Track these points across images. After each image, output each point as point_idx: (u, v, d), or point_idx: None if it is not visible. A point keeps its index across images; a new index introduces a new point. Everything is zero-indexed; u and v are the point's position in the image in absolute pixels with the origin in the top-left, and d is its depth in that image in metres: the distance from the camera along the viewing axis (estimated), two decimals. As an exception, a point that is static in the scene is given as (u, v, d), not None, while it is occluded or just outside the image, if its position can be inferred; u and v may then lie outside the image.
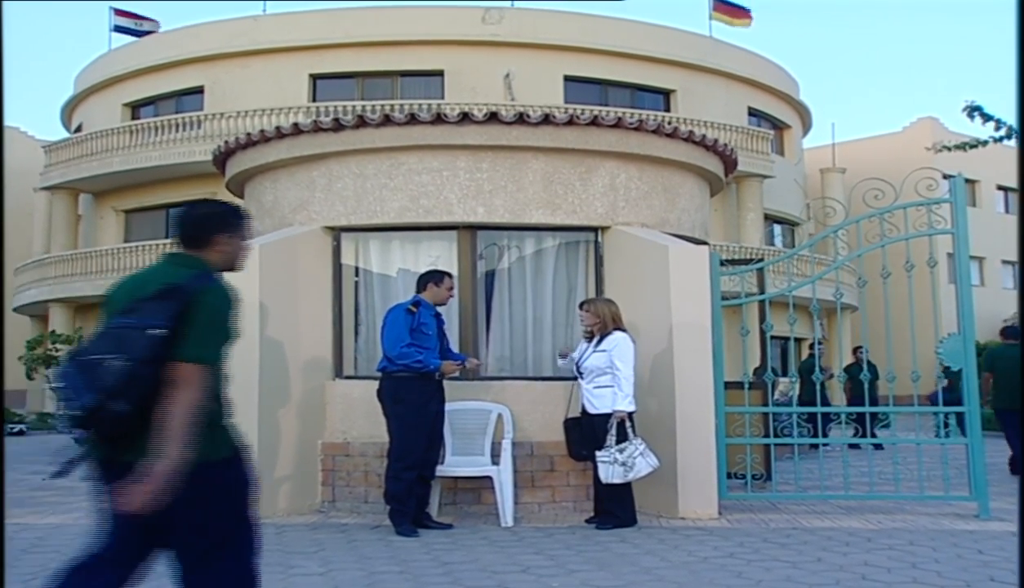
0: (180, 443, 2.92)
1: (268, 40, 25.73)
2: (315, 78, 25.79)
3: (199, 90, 26.47)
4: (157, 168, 24.69)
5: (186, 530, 3.08)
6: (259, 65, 25.76)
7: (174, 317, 2.98)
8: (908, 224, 7.78)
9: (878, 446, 10.49)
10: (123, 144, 25.11)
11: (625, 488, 6.93)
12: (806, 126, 32.21)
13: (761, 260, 10.63)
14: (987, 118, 9.19)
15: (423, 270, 7.41)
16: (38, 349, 21.56)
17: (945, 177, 7.64)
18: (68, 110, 30.34)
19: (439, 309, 7.17)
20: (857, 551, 6.06)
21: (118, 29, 28.27)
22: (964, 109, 9.07)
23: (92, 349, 3.01)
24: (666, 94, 27.25)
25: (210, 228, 3.30)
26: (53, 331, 24.65)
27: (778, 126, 30.18)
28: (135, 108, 27.98)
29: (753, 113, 28.96)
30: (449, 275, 7.28)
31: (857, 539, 6.49)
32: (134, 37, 28.37)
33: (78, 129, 29.02)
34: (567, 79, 25.96)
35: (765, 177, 26.71)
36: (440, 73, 25.42)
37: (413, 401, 6.83)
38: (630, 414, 6.92)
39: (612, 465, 6.77)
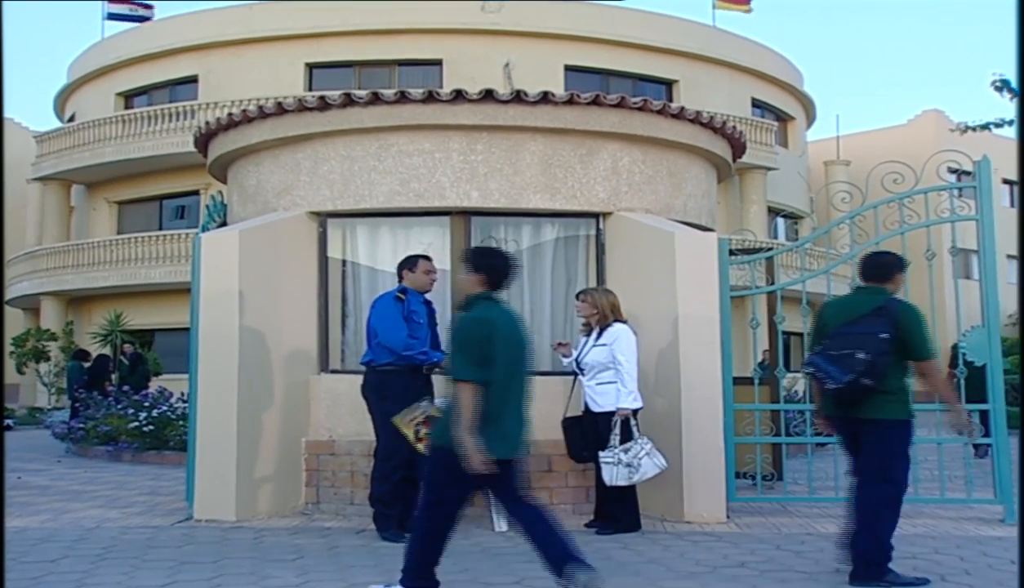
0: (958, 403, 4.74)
1: (264, 28, 25.30)
2: (311, 67, 25.34)
3: (193, 79, 26.06)
4: (150, 159, 24.32)
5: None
6: (254, 54, 25.32)
7: (891, 326, 4.82)
8: (929, 210, 7.35)
9: None
10: (116, 134, 24.71)
11: (628, 490, 6.49)
12: (810, 118, 31.75)
13: (771, 249, 10.14)
14: (1015, 93, 8.79)
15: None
16: (26, 345, 21.22)
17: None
18: (61, 99, 29.91)
19: (428, 297, 6.73)
20: (879, 560, 5.61)
21: (112, 17, 27.78)
22: (992, 82, 8.73)
23: (834, 346, 4.90)
24: (668, 84, 26.80)
25: (893, 269, 5.14)
26: (39, 327, 24.32)
27: (782, 118, 29.74)
28: (128, 97, 27.55)
29: (757, 104, 28.51)
30: (425, 258, 6.74)
31: (877, 546, 6.04)
32: (128, 23, 27.87)
33: (71, 119, 28.58)
34: (568, 69, 25.51)
35: (769, 169, 26.31)
36: (439, 62, 24.97)
37: (400, 397, 6.34)
38: (635, 411, 6.47)
39: (616, 466, 6.32)
